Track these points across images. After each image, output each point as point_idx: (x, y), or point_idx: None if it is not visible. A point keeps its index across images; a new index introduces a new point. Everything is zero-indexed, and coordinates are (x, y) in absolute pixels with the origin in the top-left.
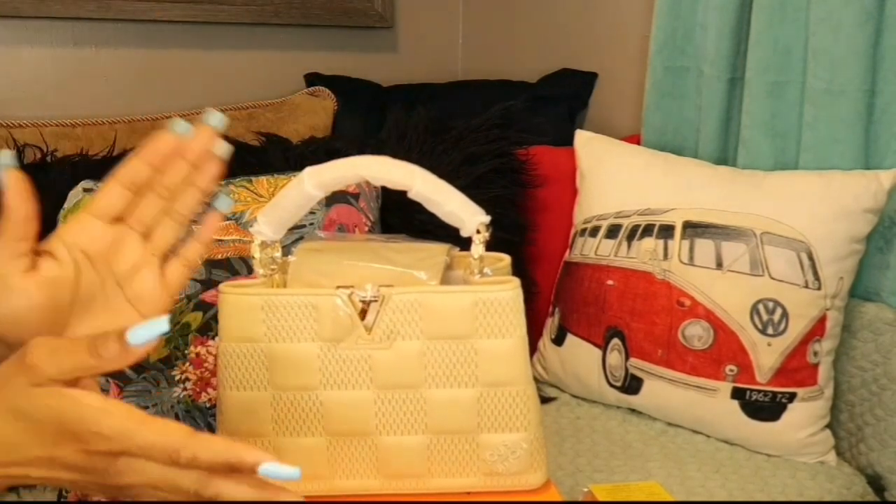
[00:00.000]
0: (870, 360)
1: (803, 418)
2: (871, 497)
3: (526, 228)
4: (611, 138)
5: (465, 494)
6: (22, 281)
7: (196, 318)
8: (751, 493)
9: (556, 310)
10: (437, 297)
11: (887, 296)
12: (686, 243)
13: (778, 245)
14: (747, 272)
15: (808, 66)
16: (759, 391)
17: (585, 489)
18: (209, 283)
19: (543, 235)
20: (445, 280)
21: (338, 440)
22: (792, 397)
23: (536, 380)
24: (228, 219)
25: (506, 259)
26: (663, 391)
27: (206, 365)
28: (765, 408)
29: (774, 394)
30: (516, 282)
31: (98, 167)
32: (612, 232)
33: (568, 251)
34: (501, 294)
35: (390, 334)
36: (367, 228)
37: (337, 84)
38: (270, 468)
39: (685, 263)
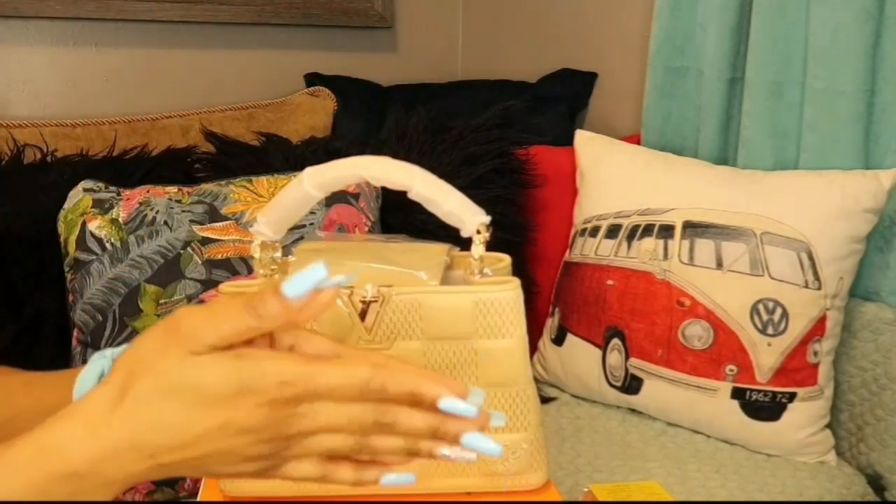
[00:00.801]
0: (870, 360)
1: (803, 418)
2: (871, 497)
3: (526, 228)
4: (611, 138)
5: (465, 495)
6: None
7: None
8: (751, 493)
9: (556, 310)
10: (437, 298)
11: (887, 296)
12: (686, 243)
13: (778, 245)
14: (747, 272)
15: (808, 66)
16: (759, 391)
17: (585, 489)
18: (209, 283)
19: (543, 235)
20: (445, 280)
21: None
22: (792, 397)
23: (536, 380)
24: (228, 218)
25: (506, 259)
26: (663, 391)
27: None
28: (765, 408)
29: (774, 394)
30: (516, 282)
31: (98, 167)
32: (612, 232)
33: (568, 251)
34: (502, 294)
35: (391, 334)
36: (367, 228)
37: (337, 84)
38: (449, 404)
39: (685, 263)
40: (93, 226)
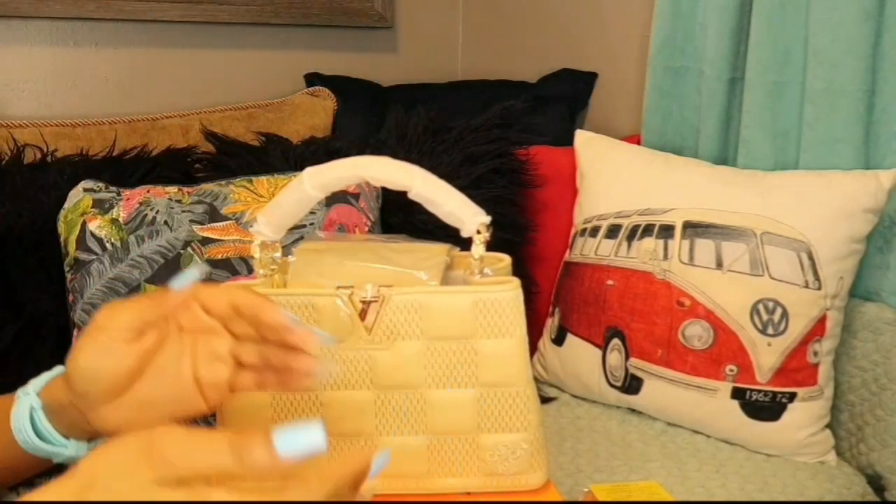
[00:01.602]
0: (870, 360)
1: (803, 418)
2: (871, 497)
3: (526, 228)
4: (611, 138)
5: (465, 494)
6: (123, 347)
7: None
8: (751, 493)
9: (556, 310)
10: (437, 298)
11: (887, 296)
12: (686, 243)
13: (778, 245)
14: (747, 272)
15: (808, 66)
16: (760, 391)
17: (585, 489)
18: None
19: (543, 235)
20: (445, 280)
21: (337, 441)
22: (792, 397)
23: (536, 380)
24: (228, 218)
25: (506, 259)
26: (663, 391)
27: None
28: (765, 408)
29: (774, 394)
30: (516, 282)
31: (98, 167)
32: (612, 232)
33: (568, 251)
34: (502, 294)
35: (391, 335)
36: (367, 228)
37: (337, 84)
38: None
39: (685, 263)
40: (93, 226)
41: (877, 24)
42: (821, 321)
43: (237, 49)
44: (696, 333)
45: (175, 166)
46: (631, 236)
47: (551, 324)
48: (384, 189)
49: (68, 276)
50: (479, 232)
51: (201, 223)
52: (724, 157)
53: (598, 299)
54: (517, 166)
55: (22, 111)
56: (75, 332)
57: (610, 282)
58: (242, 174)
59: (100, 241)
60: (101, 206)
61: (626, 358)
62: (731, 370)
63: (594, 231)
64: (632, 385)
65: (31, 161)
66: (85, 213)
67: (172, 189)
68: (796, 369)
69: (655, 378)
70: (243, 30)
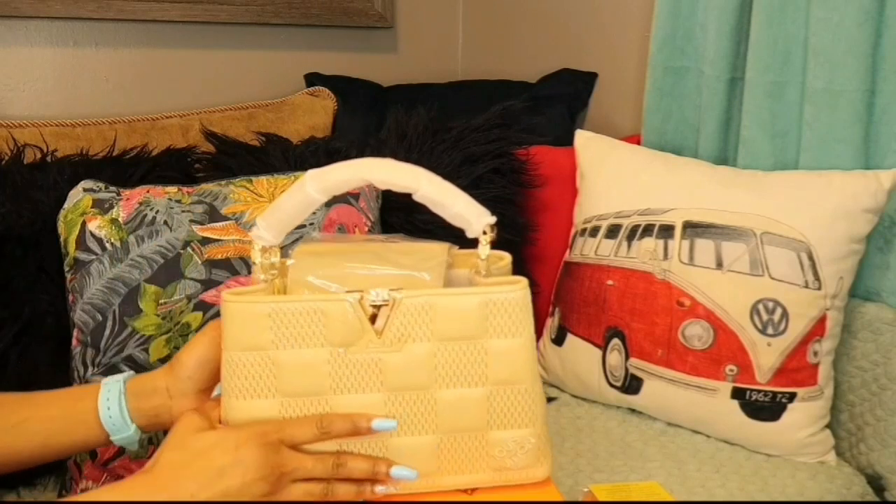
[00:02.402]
0: (870, 360)
1: (803, 418)
2: (871, 497)
3: (526, 228)
4: (611, 138)
5: (465, 494)
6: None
7: (196, 318)
8: (751, 493)
9: (556, 310)
10: (447, 300)
11: (887, 296)
12: (686, 243)
13: (778, 245)
14: (747, 272)
15: (808, 66)
16: (759, 391)
17: (585, 489)
18: (209, 283)
19: (543, 235)
20: (447, 280)
21: (348, 444)
22: (792, 397)
23: None
24: (228, 219)
25: (507, 257)
26: (663, 391)
27: None
28: (765, 408)
29: (774, 394)
30: (524, 282)
31: (98, 167)
32: (612, 232)
33: (568, 251)
34: (511, 294)
35: (401, 337)
36: (367, 228)
37: (337, 84)
38: (378, 423)
39: (685, 263)
40: (93, 226)
41: (877, 24)
42: (821, 321)
43: (237, 49)
44: (696, 333)
45: (175, 166)
46: (631, 236)
47: (551, 324)
48: (384, 189)
49: (68, 276)
50: (485, 232)
51: (201, 223)
52: (724, 157)
53: (598, 299)
54: (517, 166)
55: (22, 111)
56: (75, 333)
57: (610, 282)
58: (242, 174)
59: (99, 241)
60: (101, 206)
61: (626, 358)
62: (731, 370)
63: (594, 231)
64: (632, 385)
65: (30, 161)
66: (85, 213)
67: (172, 189)
68: (796, 369)
69: (655, 378)
70: (243, 30)
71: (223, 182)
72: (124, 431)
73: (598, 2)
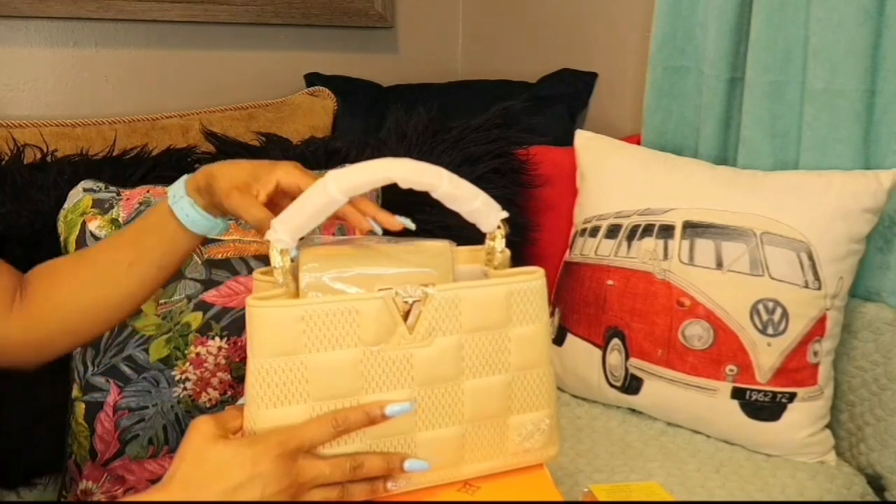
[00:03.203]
0: (870, 360)
1: (803, 418)
2: (871, 497)
3: (526, 228)
4: (611, 138)
5: (466, 494)
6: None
7: (196, 318)
8: (751, 493)
9: (557, 310)
10: (475, 292)
11: (887, 296)
12: (686, 243)
13: (778, 245)
14: (747, 272)
15: (808, 66)
16: (759, 391)
17: (585, 489)
18: (209, 283)
19: (543, 235)
20: (457, 275)
21: (376, 442)
22: (792, 397)
23: None
24: (228, 219)
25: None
26: (663, 391)
27: (206, 365)
28: (765, 408)
29: (774, 394)
30: (541, 271)
31: (98, 167)
32: (612, 232)
33: (568, 251)
34: (531, 284)
35: (431, 331)
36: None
37: (337, 84)
38: (391, 408)
39: (685, 263)
40: (93, 226)
41: (877, 24)
42: (821, 321)
43: (237, 49)
44: (696, 333)
45: (175, 166)
46: (631, 236)
47: (551, 324)
48: (384, 189)
49: None
50: (499, 227)
51: None
52: (724, 157)
53: (598, 299)
54: (517, 166)
55: (22, 111)
56: None
57: (610, 282)
58: None
59: (99, 240)
60: (101, 206)
61: (626, 358)
62: (731, 370)
63: (594, 231)
64: (632, 385)
65: (30, 161)
66: (85, 213)
67: None
68: (796, 369)
69: (655, 378)
70: (243, 30)
71: None
72: (214, 229)
73: (598, 2)
